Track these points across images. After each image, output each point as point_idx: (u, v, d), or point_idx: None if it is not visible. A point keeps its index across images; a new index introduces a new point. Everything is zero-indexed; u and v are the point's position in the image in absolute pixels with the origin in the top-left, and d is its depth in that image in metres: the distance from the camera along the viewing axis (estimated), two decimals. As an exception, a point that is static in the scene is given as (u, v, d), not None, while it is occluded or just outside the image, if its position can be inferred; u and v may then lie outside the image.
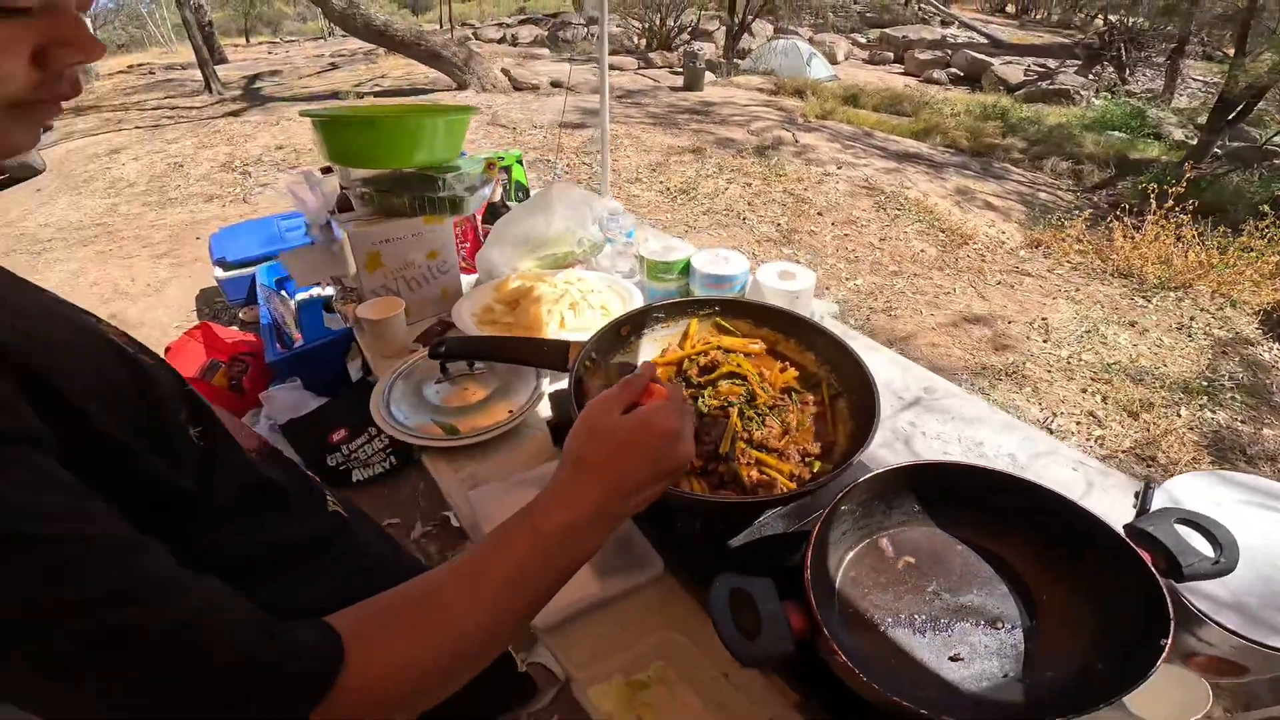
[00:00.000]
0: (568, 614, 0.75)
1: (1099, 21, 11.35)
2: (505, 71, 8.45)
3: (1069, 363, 3.13)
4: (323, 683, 0.37)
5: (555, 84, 7.94)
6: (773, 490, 0.75)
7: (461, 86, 7.95)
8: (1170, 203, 4.11)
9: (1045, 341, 3.33)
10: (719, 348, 0.97)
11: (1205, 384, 2.96)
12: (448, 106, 1.37)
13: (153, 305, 3.57)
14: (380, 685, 0.39)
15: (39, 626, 0.33)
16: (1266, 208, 4.26)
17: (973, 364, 3.13)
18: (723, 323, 1.04)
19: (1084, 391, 2.92)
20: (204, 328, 2.52)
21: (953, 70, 10.35)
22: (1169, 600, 0.51)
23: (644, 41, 11.57)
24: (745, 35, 11.34)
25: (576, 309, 1.29)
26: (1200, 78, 10.18)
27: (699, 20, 12.22)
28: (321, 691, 0.37)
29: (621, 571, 0.78)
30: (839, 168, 5.72)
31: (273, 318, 2.49)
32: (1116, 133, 7.21)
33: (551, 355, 0.92)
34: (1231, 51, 6.58)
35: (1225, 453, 2.58)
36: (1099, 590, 0.59)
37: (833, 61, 10.67)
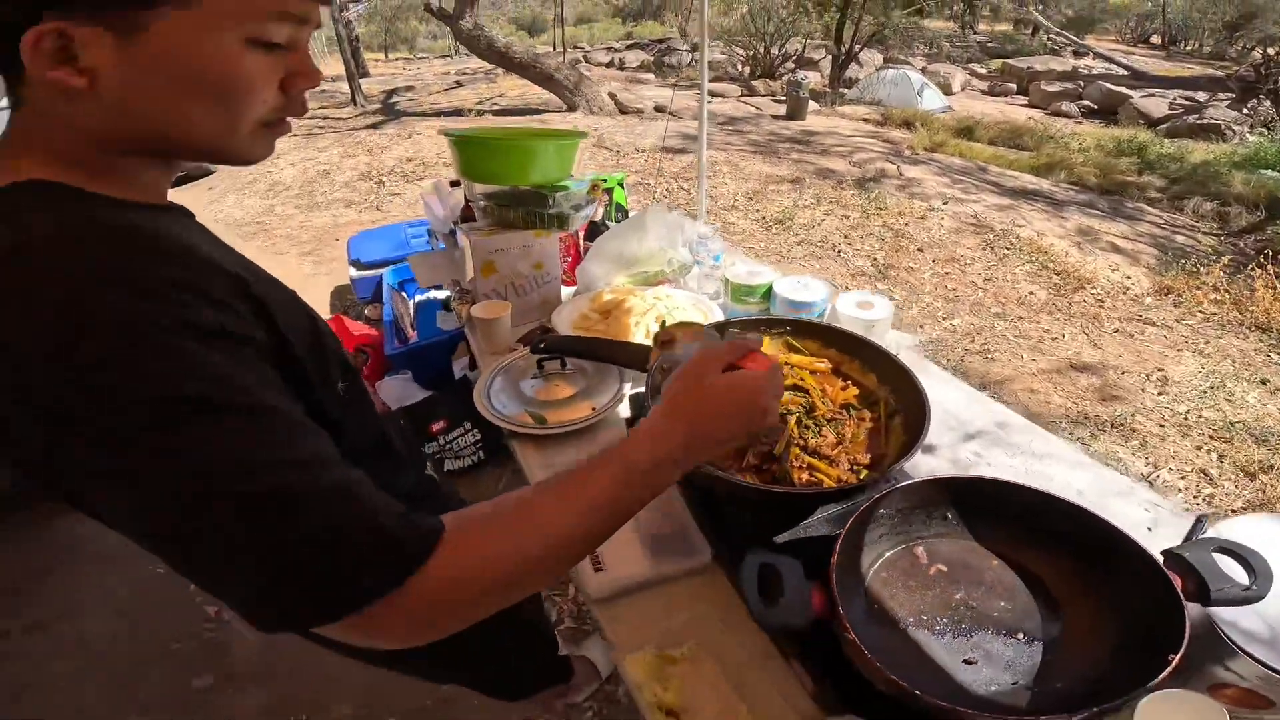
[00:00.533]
0: (620, 588, 0.84)
1: (1256, 54, 10.29)
2: (612, 95, 8.83)
3: (1186, 418, 2.89)
4: (427, 553, 0.46)
5: (659, 109, 8.18)
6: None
7: (571, 108, 8.37)
8: (1327, 253, 3.70)
9: (1161, 395, 3.09)
10: (787, 363, 1.06)
11: (1342, 451, 2.64)
12: (561, 131, 1.53)
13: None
14: (471, 571, 0.48)
15: (237, 471, 0.42)
16: None
17: (1074, 412, 2.96)
18: (793, 341, 1.13)
19: (1198, 449, 2.69)
20: (336, 320, 2.88)
21: (1084, 103, 9.72)
22: (1187, 620, 0.54)
23: (748, 69, 11.70)
24: (852, 64, 11.21)
25: (662, 322, 1.41)
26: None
27: (804, 49, 12.21)
28: (421, 563, 0.46)
29: (673, 555, 0.87)
30: (945, 203, 5.54)
31: (394, 315, 2.80)
32: (1270, 172, 6.48)
33: (634, 355, 1.04)
34: None
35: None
36: (1125, 610, 0.62)
37: (947, 92, 10.33)
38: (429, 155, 6.57)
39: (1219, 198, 5.87)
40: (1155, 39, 17.62)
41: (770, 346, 1.13)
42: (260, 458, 0.43)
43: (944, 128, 7.94)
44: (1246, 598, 0.57)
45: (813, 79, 10.63)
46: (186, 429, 0.42)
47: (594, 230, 1.85)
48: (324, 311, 3.82)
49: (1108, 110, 9.39)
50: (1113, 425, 2.86)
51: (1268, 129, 8.30)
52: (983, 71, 12.55)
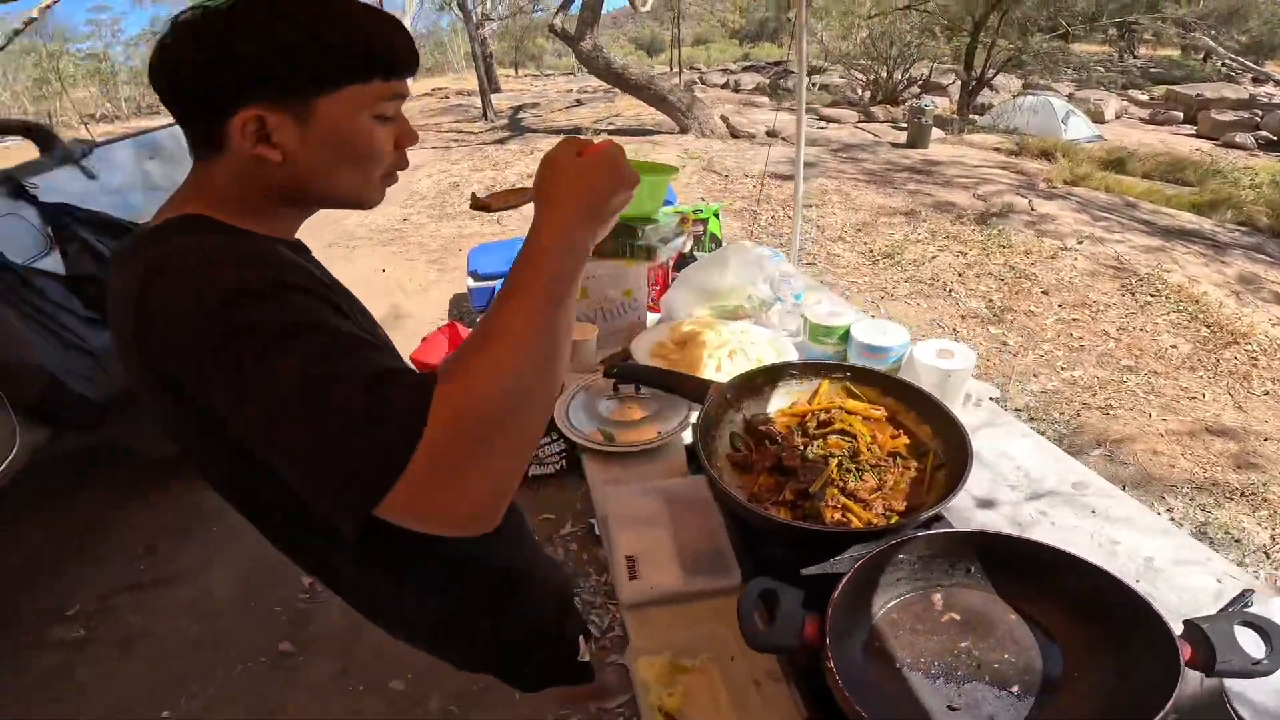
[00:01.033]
0: (651, 597, 0.92)
1: None
2: (724, 118, 8.92)
3: (1332, 494, 2.52)
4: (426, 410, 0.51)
5: (770, 133, 8.17)
6: (849, 533, 0.86)
7: (684, 130, 8.55)
8: None
9: (1312, 467, 2.71)
10: (841, 408, 1.10)
11: None
12: (654, 165, 1.63)
13: (421, 301, 4.51)
14: (472, 397, 0.52)
15: (325, 373, 0.51)
16: None
17: (1199, 478, 2.66)
18: (852, 387, 1.16)
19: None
20: (451, 326, 3.18)
21: (1262, 134, 8.62)
22: (1176, 688, 0.55)
23: (868, 94, 11.37)
24: (986, 90, 10.60)
25: (734, 357, 1.47)
26: None
27: (930, 73, 11.68)
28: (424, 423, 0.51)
29: (705, 574, 0.94)
30: (1080, 242, 5.11)
31: (500, 325, 3.05)
32: None
33: (693, 388, 1.13)
34: None
35: None
36: (1128, 674, 0.62)
37: (1098, 120, 9.52)
38: (546, 173, 6.99)
39: None
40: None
41: (830, 389, 1.18)
42: (350, 356, 0.54)
43: (1089, 159, 7.34)
44: (1255, 671, 0.56)
45: (940, 105, 10.18)
46: (295, 343, 0.53)
47: (683, 260, 1.95)
48: (441, 316, 4.21)
49: (1294, 142, 8.26)
50: (1242, 494, 2.56)
51: None
52: (1143, 98, 11.44)
